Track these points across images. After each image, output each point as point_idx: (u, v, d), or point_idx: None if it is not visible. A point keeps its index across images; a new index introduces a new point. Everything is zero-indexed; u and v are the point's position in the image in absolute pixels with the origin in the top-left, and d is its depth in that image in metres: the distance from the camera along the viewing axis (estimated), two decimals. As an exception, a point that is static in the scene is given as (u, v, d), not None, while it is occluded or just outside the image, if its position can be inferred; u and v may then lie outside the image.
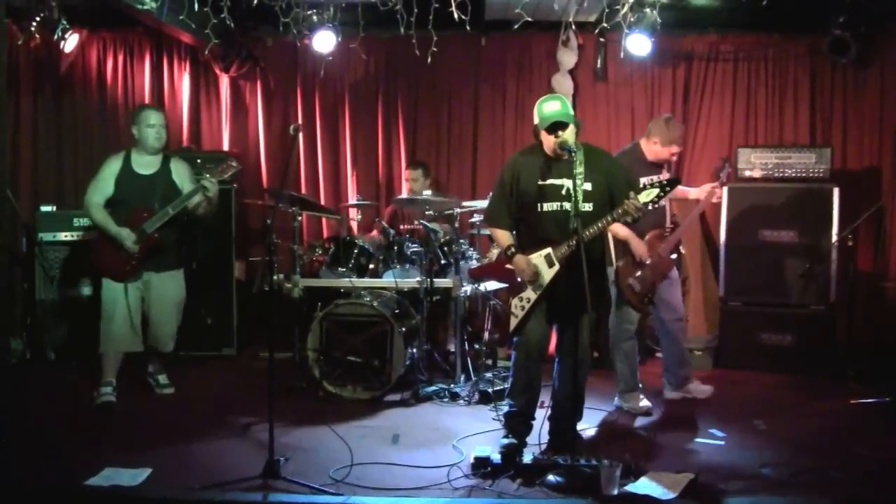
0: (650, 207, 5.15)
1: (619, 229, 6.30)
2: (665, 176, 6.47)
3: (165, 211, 6.69)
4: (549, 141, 5.24)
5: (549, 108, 5.28)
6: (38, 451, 5.50)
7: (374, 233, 8.34)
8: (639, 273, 6.47)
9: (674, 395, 6.89)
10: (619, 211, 5.02)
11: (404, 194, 9.00)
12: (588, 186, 5.22)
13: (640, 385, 6.73)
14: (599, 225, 5.11)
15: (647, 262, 6.46)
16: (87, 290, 8.29)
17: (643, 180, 6.27)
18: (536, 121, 5.32)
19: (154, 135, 6.84)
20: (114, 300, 6.74)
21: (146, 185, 6.82)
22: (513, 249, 5.36)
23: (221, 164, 6.95)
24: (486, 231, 7.24)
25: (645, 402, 6.61)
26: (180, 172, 6.99)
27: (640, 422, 6.30)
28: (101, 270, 6.82)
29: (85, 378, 7.48)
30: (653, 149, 6.67)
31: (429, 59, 7.21)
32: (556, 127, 5.18)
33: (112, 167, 6.85)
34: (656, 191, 5.02)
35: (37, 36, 8.24)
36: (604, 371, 7.72)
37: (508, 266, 5.41)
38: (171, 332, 7.05)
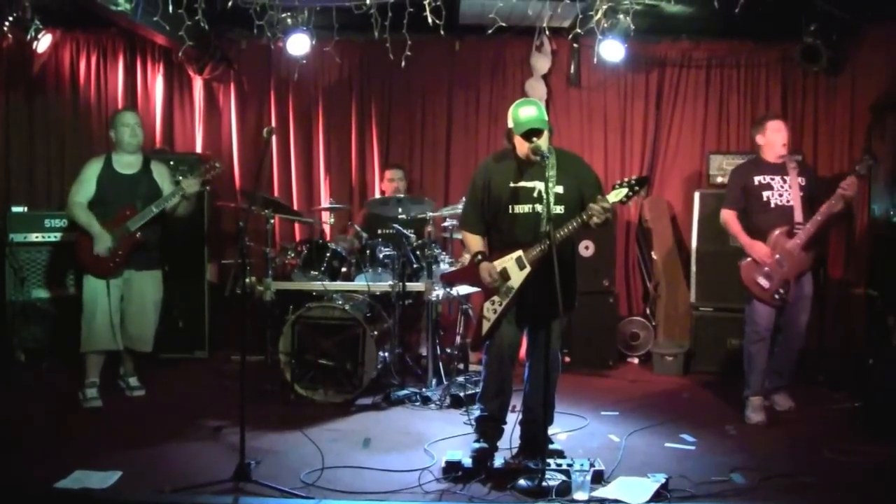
0: (627, 203, 5.20)
1: (739, 236, 6.72)
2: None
3: (149, 209, 6.78)
4: (523, 146, 5.23)
5: (525, 113, 5.24)
6: (7, 454, 5.47)
7: (349, 233, 8.30)
8: (766, 269, 6.54)
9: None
10: (587, 213, 5.03)
11: (378, 197, 9.02)
12: (560, 189, 5.24)
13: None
14: (569, 227, 5.11)
15: (775, 259, 6.53)
16: (50, 292, 8.26)
17: (757, 178, 6.68)
18: (511, 125, 5.30)
19: (129, 133, 6.94)
20: (94, 299, 6.77)
21: (128, 184, 6.91)
22: (479, 257, 5.37)
23: (204, 164, 7.01)
24: (459, 235, 7.26)
25: (759, 416, 6.56)
26: (161, 173, 7.09)
27: (611, 426, 6.32)
28: (85, 267, 6.84)
29: (55, 380, 7.47)
30: (768, 144, 6.79)
31: (403, 64, 7.24)
32: (531, 133, 5.18)
33: (94, 168, 6.91)
34: (625, 190, 5.04)
35: (9, 36, 8.19)
36: (574, 375, 7.80)
37: (479, 271, 5.42)
38: (150, 331, 7.09)
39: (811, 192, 6.68)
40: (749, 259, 6.63)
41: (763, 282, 6.56)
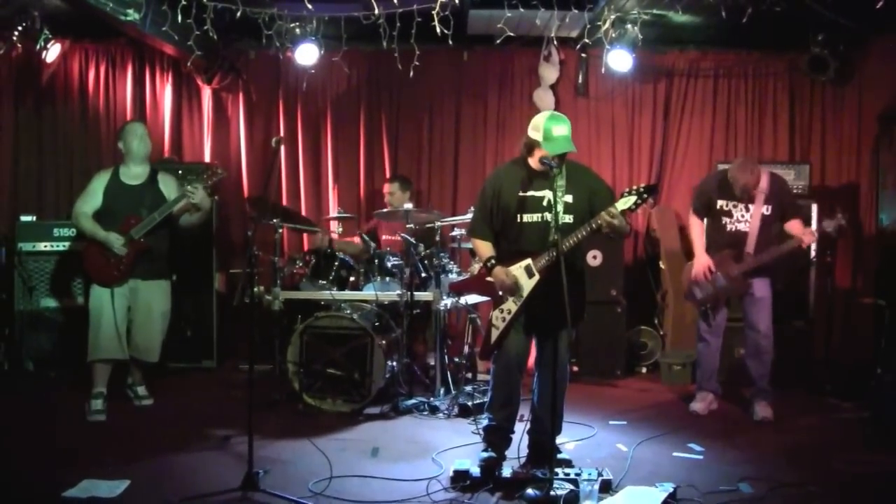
0: (636, 210, 5.20)
1: (694, 244, 7.09)
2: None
3: (152, 217, 6.78)
4: (536, 159, 5.23)
5: (559, 132, 5.18)
6: (16, 463, 5.48)
7: (355, 239, 8.33)
8: (701, 281, 6.94)
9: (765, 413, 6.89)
10: (597, 220, 5.03)
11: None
12: (569, 198, 5.24)
13: (710, 389, 7.16)
14: (578, 235, 5.11)
15: (714, 276, 6.86)
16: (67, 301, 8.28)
17: (720, 202, 6.91)
18: (538, 137, 5.21)
19: (137, 140, 6.98)
20: (100, 308, 6.76)
21: (134, 194, 6.91)
22: (493, 261, 5.37)
23: (208, 170, 7.03)
24: (468, 245, 7.27)
25: (694, 405, 7.11)
26: (167, 183, 7.08)
27: (619, 436, 6.31)
28: (91, 276, 6.87)
29: (63, 389, 7.48)
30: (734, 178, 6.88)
31: (411, 73, 7.28)
32: (561, 156, 5.19)
33: (101, 180, 6.96)
34: (633, 198, 5.02)
35: (19, 46, 8.23)
36: (582, 384, 7.80)
37: (489, 279, 5.41)
38: (156, 341, 7.06)
39: (777, 217, 6.85)
40: (687, 266, 7.16)
41: (696, 291, 7.01)
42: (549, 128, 5.20)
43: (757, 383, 6.93)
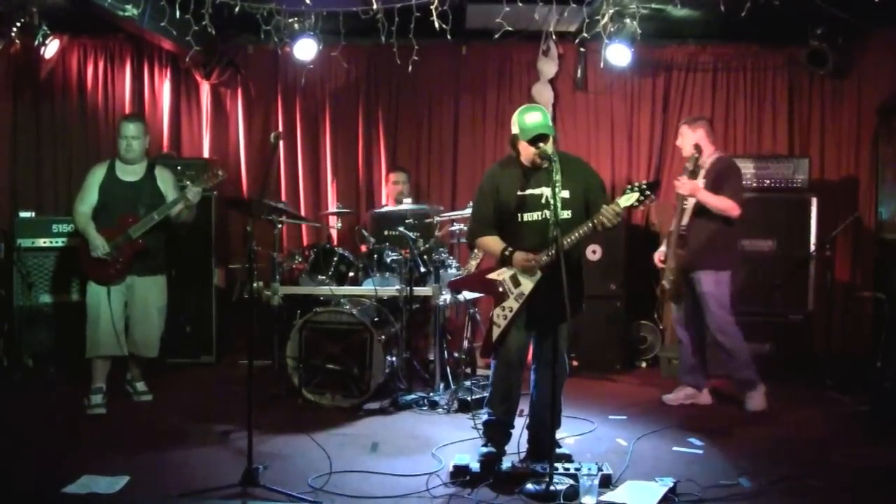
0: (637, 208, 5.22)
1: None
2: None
3: (151, 217, 6.76)
4: (528, 152, 5.21)
5: (531, 119, 5.21)
6: (15, 459, 5.48)
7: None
8: (667, 275, 7.03)
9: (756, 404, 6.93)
10: (598, 217, 5.01)
11: (384, 200, 9.02)
12: (566, 194, 5.20)
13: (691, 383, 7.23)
14: (579, 232, 5.08)
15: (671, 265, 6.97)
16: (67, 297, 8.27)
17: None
18: (516, 131, 5.27)
19: (125, 146, 6.92)
20: (97, 304, 6.76)
21: (131, 191, 6.89)
22: (509, 250, 5.27)
23: (207, 172, 7.00)
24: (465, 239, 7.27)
25: (667, 395, 7.25)
26: (165, 179, 7.06)
27: (619, 430, 6.31)
28: (87, 274, 6.85)
29: (63, 385, 7.48)
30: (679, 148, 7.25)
31: (410, 68, 7.25)
32: (538, 139, 5.17)
33: (97, 175, 6.92)
34: (636, 195, 5.00)
35: (17, 41, 8.20)
36: (582, 379, 7.80)
37: (489, 276, 5.38)
38: (154, 336, 7.06)
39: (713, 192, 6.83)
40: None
41: (665, 284, 7.10)
42: (521, 119, 5.27)
43: (732, 376, 6.96)
